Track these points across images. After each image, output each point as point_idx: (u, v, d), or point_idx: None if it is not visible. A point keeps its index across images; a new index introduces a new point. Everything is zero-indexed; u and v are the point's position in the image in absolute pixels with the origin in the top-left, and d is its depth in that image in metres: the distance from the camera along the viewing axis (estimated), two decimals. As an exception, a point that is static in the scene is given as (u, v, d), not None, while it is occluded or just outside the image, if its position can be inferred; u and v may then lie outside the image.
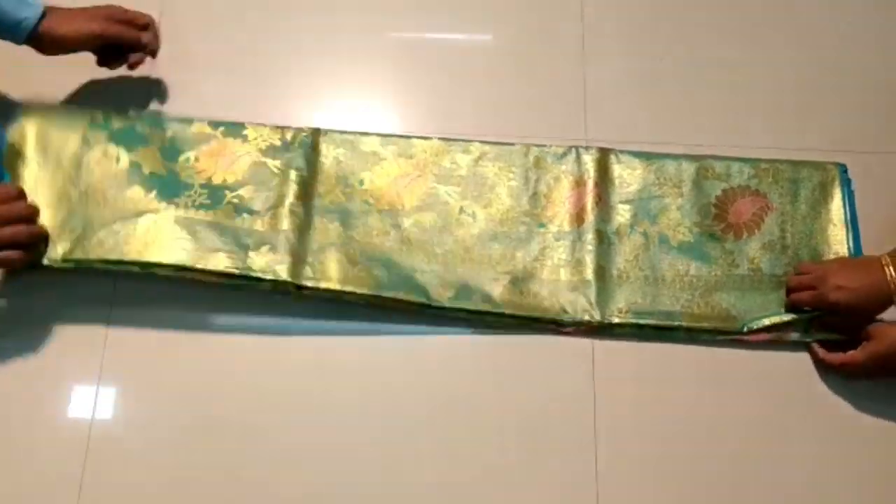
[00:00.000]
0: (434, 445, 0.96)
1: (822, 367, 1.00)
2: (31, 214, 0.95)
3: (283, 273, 0.97)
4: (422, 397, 0.98)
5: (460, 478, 0.95)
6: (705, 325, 1.01)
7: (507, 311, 1.00)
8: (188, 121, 1.07)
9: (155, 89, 1.11)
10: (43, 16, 0.96)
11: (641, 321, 1.00)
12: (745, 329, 1.00)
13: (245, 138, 1.06)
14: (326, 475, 0.94)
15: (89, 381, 0.97)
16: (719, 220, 1.06)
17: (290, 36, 1.16)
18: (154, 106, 1.10)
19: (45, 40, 0.97)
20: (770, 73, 1.16)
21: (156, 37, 1.04)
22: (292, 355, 0.99)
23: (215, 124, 1.07)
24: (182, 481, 0.93)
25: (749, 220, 1.06)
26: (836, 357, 0.98)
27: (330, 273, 0.99)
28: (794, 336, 1.01)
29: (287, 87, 1.13)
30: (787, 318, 1.00)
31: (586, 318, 1.00)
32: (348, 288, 0.98)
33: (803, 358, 1.01)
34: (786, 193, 1.07)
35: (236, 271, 0.97)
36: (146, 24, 1.03)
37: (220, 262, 0.97)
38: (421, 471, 0.95)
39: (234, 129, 1.07)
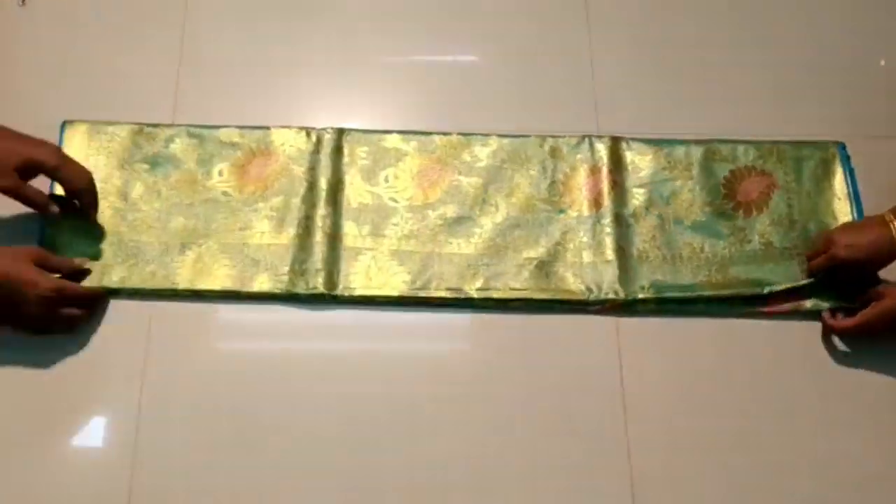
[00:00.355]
0: (463, 421, 0.99)
1: (835, 334, 1.05)
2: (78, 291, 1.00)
3: (319, 286, 1.03)
4: (450, 374, 1.02)
5: (491, 455, 0.98)
6: (726, 292, 1.05)
7: (535, 297, 1.04)
8: (216, 128, 1.11)
9: (177, 97, 1.15)
10: None
11: (664, 295, 1.05)
12: (767, 292, 1.05)
13: (271, 144, 1.11)
14: (357, 447, 0.98)
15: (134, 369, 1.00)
16: (728, 199, 1.11)
17: (304, 39, 1.20)
18: (178, 114, 1.14)
19: None
20: (772, 63, 1.22)
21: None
22: (328, 329, 1.04)
23: (242, 130, 1.11)
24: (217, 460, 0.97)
25: (757, 199, 1.11)
26: (847, 321, 1.03)
27: (362, 280, 1.04)
28: (809, 305, 1.05)
29: (306, 90, 1.17)
30: (804, 282, 1.05)
31: (611, 296, 1.04)
32: (381, 293, 1.04)
33: (818, 328, 1.05)
34: (790, 171, 1.12)
35: (278, 291, 1.03)
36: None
37: (263, 283, 1.03)
38: (450, 447, 0.98)
39: (261, 134, 1.11)
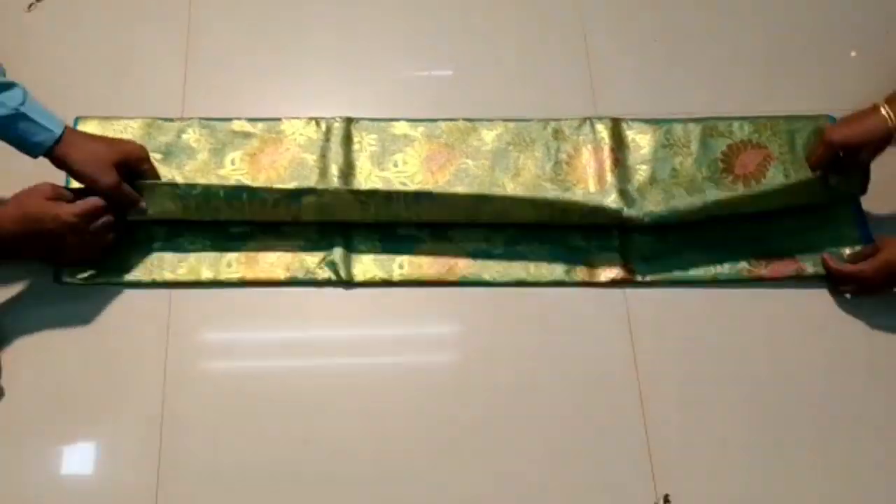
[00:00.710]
0: (479, 395, 1.02)
1: (836, 280, 1.08)
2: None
3: (340, 273, 1.06)
4: (466, 348, 1.05)
5: (509, 425, 1.00)
6: (735, 193, 1.10)
7: (546, 212, 1.08)
8: (228, 119, 1.14)
9: (185, 92, 1.18)
10: (60, 140, 0.98)
11: (675, 209, 1.08)
12: (772, 189, 1.09)
13: (282, 133, 1.13)
14: (377, 424, 1.00)
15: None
16: (727, 172, 1.14)
17: (308, 30, 1.24)
18: (186, 109, 1.17)
19: (57, 163, 0.99)
20: (763, 40, 1.26)
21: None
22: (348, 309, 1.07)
23: (254, 121, 1.14)
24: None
25: (755, 171, 1.14)
26: (847, 267, 1.07)
27: (375, 269, 1.07)
28: (811, 269, 1.09)
29: (313, 81, 1.20)
30: (811, 174, 1.10)
31: (624, 212, 1.08)
32: (394, 278, 1.07)
33: (822, 294, 1.09)
34: (784, 143, 1.16)
35: (299, 276, 1.06)
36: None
37: (281, 272, 1.06)
38: (466, 418, 1.01)
39: (272, 124, 1.14)
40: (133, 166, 1.03)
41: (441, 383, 1.03)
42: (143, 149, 1.04)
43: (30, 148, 0.97)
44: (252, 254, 1.07)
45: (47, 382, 1.00)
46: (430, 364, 1.05)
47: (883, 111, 1.03)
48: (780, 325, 1.07)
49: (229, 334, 1.05)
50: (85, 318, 1.03)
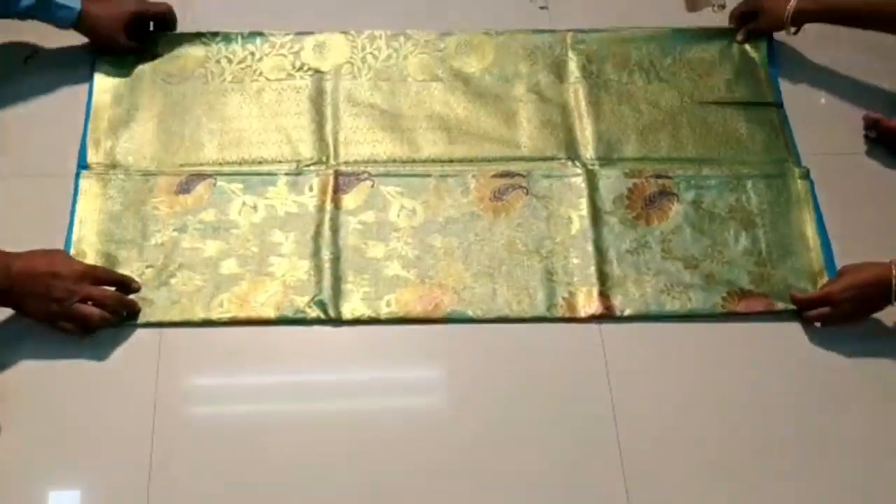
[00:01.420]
0: (456, 433, 1.04)
1: (805, 309, 1.11)
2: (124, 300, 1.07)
3: (329, 311, 1.10)
4: (451, 386, 1.08)
5: (486, 460, 1.03)
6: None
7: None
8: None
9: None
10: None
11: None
12: None
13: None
14: (365, 457, 1.02)
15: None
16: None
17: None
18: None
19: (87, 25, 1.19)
20: None
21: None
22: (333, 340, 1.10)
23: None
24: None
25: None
26: (814, 293, 1.11)
27: (363, 308, 1.10)
28: (781, 305, 1.13)
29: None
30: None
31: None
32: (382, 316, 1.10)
33: (795, 327, 1.13)
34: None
35: (289, 315, 1.09)
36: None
37: (271, 312, 1.09)
38: (445, 455, 1.03)
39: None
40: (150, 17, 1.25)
41: (427, 422, 1.05)
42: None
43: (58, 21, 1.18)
44: (243, 294, 1.10)
45: (34, 424, 1.01)
46: (415, 402, 1.08)
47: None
48: (755, 358, 1.10)
49: (219, 373, 1.07)
50: (78, 358, 1.05)
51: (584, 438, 1.04)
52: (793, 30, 1.28)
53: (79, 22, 1.18)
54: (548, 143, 1.24)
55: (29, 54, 1.25)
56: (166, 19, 1.26)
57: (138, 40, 1.24)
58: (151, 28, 1.27)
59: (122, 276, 1.08)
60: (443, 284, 1.12)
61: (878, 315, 1.11)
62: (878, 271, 1.06)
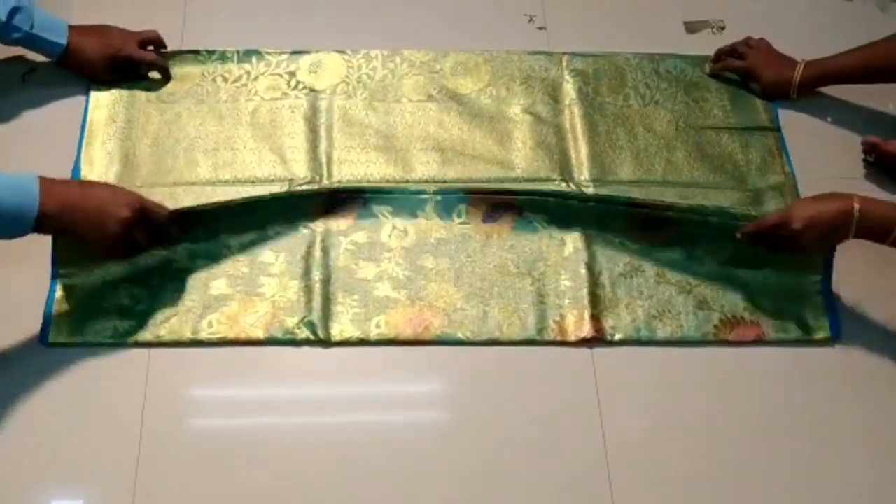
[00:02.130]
0: (445, 455, 1.04)
1: (757, 240, 1.09)
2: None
3: (318, 333, 1.10)
4: (433, 406, 1.08)
5: (475, 483, 1.02)
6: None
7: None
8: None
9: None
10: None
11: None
12: None
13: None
14: (353, 482, 1.02)
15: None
16: None
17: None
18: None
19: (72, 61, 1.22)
20: None
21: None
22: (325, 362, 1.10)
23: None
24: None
25: None
26: (765, 221, 1.08)
27: (353, 329, 1.10)
28: (773, 335, 1.12)
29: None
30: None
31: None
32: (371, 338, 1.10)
33: (786, 352, 1.12)
34: None
35: (278, 336, 1.09)
36: None
37: (260, 332, 1.09)
38: (432, 478, 1.02)
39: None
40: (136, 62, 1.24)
41: (415, 444, 1.05)
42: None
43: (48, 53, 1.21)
44: (233, 314, 1.10)
45: (23, 443, 1.01)
46: (404, 425, 1.07)
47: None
48: (746, 384, 1.10)
49: (207, 394, 1.07)
50: (64, 377, 1.05)
51: (574, 462, 1.04)
52: (795, 95, 1.29)
53: (65, 57, 1.21)
54: (542, 164, 1.23)
55: (26, 71, 1.26)
56: (153, 64, 1.26)
57: (124, 73, 1.25)
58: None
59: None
60: (433, 306, 1.12)
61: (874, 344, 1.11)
62: (840, 204, 1.04)
